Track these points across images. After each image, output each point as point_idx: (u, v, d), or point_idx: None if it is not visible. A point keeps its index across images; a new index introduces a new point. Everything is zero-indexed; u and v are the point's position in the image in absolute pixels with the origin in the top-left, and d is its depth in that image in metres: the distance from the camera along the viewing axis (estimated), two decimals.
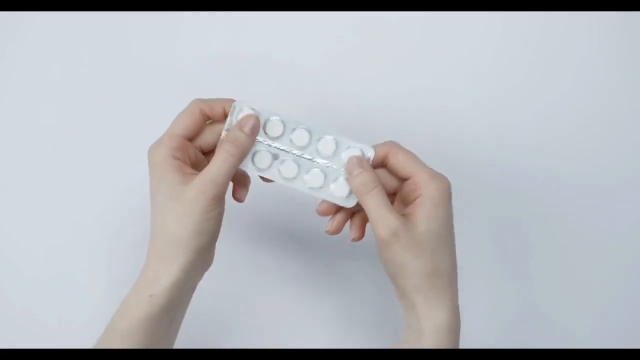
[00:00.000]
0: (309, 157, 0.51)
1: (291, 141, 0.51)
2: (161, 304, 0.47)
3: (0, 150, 0.63)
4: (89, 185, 0.62)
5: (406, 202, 0.50)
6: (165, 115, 0.63)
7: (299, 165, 0.51)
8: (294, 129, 0.51)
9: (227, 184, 0.48)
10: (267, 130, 0.51)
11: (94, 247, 0.62)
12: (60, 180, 0.62)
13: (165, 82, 0.63)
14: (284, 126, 0.51)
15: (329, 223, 0.52)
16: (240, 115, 0.50)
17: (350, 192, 0.50)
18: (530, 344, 0.65)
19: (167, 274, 0.46)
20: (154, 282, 0.47)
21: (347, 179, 0.50)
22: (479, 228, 0.65)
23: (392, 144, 0.50)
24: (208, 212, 0.47)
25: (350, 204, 0.51)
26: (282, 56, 0.64)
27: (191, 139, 0.50)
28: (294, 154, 0.51)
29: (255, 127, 0.49)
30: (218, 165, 0.47)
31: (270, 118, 0.51)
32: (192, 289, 0.50)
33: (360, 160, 0.50)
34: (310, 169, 0.51)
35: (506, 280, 0.66)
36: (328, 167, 0.51)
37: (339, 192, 0.51)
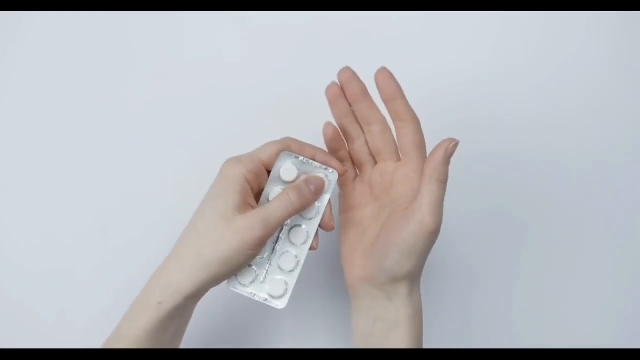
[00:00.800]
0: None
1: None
2: (168, 311, 0.46)
3: (1, 149, 0.63)
4: (90, 183, 0.62)
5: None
6: (164, 114, 0.63)
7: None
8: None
9: (276, 230, 0.47)
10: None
11: (96, 244, 0.62)
12: (62, 178, 0.62)
13: (165, 82, 0.63)
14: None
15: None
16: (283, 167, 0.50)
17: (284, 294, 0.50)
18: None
19: (181, 284, 0.46)
20: (165, 289, 0.46)
21: (430, 157, 0.48)
22: (475, 221, 0.65)
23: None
24: (246, 249, 0.46)
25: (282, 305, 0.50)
26: (281, 56, 0.64)
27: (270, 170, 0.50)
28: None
29: (320, 189, 0.49)
30: (275, 206, 0.47)
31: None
32: (197, 301, 0.50)
33: (449, 156, 0.48)
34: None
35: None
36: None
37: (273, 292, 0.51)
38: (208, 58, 0.64)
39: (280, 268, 0.50)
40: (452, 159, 0.48)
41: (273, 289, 0.50)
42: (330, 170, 0.50)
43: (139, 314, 0.46)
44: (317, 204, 0.50)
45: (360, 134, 0.52)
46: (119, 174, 0.63)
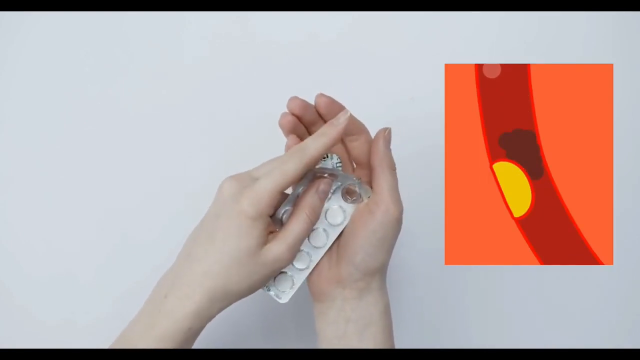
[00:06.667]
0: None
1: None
2: (195, 331, 0.47)
3: (3, 150, 0.63)
4: (93, 186, 0.63)
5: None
6: (165, 114, 0.63)
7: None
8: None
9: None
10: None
11: (99, 247, 0.63)
12: (64, 181, 0.62)
13: (165, 82, 0.63)
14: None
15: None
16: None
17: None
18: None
19: (210, 310, 0.47)
20: (196, 317, 0.46)
21: (372, 152, 0.49)
22: None
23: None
24: (274, 275, 0.48)
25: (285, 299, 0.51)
26: (280, 56, 0.64)
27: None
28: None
29: (326, 192, 0.50)
30: (297, 230, 0.47)
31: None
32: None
33: (388, 142, 0.50)
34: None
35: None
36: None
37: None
38: (209, 59, 0.64)
39: (292, 264, 0.50)
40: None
41: (280, 284, 0.50)
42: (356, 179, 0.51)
43: (166, 335, 0.46)
44: (343, 212, 0.51)
45: None
46: (121, 177, 0.63)
